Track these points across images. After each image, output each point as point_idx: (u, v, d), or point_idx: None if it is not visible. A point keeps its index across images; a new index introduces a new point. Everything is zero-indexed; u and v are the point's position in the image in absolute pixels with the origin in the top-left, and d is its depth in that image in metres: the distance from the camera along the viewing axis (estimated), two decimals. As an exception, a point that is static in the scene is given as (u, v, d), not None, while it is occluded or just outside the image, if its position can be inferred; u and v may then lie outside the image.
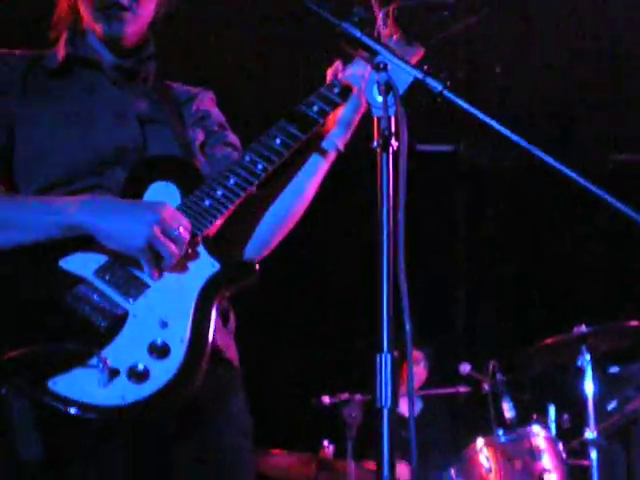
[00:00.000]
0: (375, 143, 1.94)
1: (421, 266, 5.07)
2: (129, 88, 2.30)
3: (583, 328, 4.37)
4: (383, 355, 1.89)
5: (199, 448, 2.08)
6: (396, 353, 1.90)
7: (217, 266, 2.05)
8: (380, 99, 2.01)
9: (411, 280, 1.94)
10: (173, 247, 1.96)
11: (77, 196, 2.04)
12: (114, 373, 1.83)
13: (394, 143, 1.95)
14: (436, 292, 6.20)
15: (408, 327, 1.88)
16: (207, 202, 2.07)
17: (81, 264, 1.99)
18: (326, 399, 4.47)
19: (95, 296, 1.94)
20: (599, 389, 4.43)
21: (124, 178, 2.13)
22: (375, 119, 1.99)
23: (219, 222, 2.11)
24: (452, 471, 4.46)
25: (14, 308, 1.91)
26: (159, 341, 1.90)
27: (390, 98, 1.99)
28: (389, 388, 1.88)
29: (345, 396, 4.37)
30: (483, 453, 4.33)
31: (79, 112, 2.21)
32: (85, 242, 1.99)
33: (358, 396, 4.31)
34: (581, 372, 4.40)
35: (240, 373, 2.23)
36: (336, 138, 2.26)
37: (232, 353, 2.20)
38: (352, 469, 4.10)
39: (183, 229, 1.98)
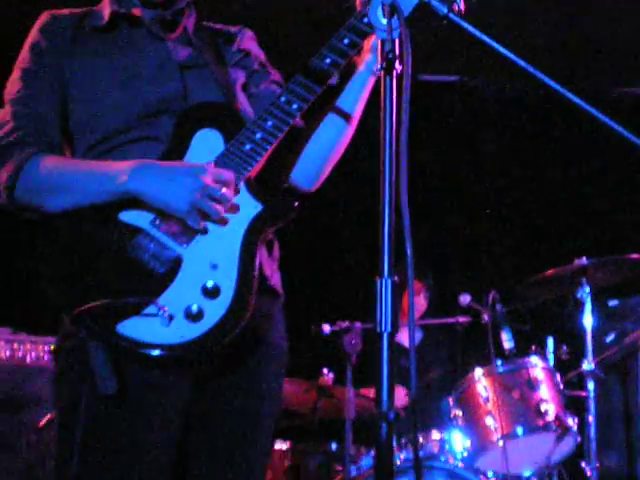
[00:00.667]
0: (379, 66, 1.93)
1: (421, 195, 5.05)
2: (170, 39, 2.40)
3: (584, 260, 4.37)
4: (383, 280, 1.90)
5: (241, 378, 2.28)
6: (396, 278, 1.90)
7: (259, 207, 2.18)
8: (384, 21, 1.98)
9: (411, 209, 1.94)
10: (217, 207, 2.09)
11: (125, 163, 2.16)
12: (172, 317, 2.04)
13: (398, 67, 1.93)
14: (436, 222, 6.20)
15: (409, 251, 1.88)
16: (247, 146, 2.18)
17: (138, 215, 2.15)
18: (326, 327, 4.50)
19: (152, 245, 2.12)
20: (598, 322, 4.46)
21: (171, 128, 2.25)
22: (379, 42, 1.96)
23: (260, 164, 2.22)
24: (450, 400, 4.49)
25: (82, 261, 2.11)
26: (210, 283, 2.08)
27: (395, 21, 1.97)
28: (389, 313, 1.89)
29: (345, 324, 4.39)
30: (481, 383, 4.35)
31: (126, 66, 2.33)
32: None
33: (358, 324, 4.33)
34: (580, 304, 4.43)
35: (283, 300, 2.40)
36: (372, 64, 2.30)
37: (276, 280, 2.36)
38: (351, 396, 4.14)
39: (226, 188, 2.10)
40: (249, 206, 2.18)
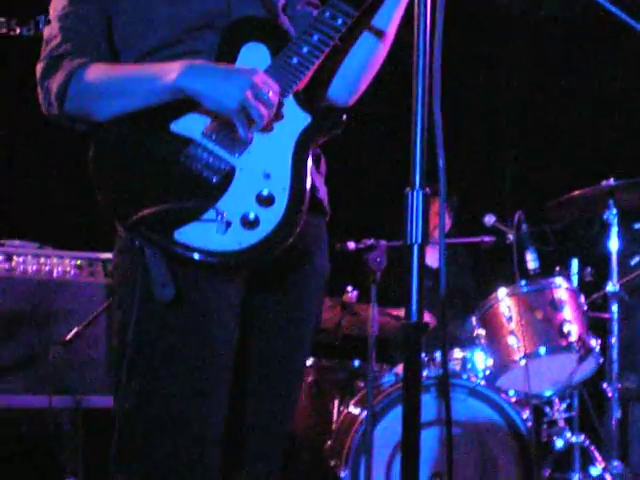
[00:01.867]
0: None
1: (449, 115, 5.00)
2: None
3: (611, 181, 4.35)
4: (415, 191, 1.90)
5: (289, 294, 2.34)
6: (428, 190, 1.90)
7: (309, 119, 2.23)
8: None
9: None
10: (263, 109, 2.11)
11: (175, 61, 2.18)
12: (229, 224, 2.08)
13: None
14: (464, 141, 6.16)
15: (441, 163, 1.88)
16: (295, 60, 2.22)
17: (189, 126, 2.18)
18: (351, 244, 4.51)
19: (205, 154, 2.15)
20: (623, 244, 4.44)
21: (217, 42, 2.28)
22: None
23: (307, 77, 2.25)
24: (473, 320, 4.52)
25: (134, 168, 2.14)
26: (265, 191, 2.13)
27: None
28: (420, 225, 1.89)
29: (370, 242, 4.39)
30: (505, 302, 4.37)
31: None
32: (189, 105, 2.17)
33: (383, 242, 4.33)
34: (607, 226, 4.41)
35: (328, 215, 2.46)
36: None
37: (323, 193, 2.42)
38: (375, 313, 4.17)
39: (273, 93, 2.13)
40: (299, 117, 2.22)
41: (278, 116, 2.19)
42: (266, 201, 2.12)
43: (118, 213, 2.09)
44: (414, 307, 1.87)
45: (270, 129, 2.18)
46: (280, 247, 2.11)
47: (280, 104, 2.18)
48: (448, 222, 5.59)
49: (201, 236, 2.07)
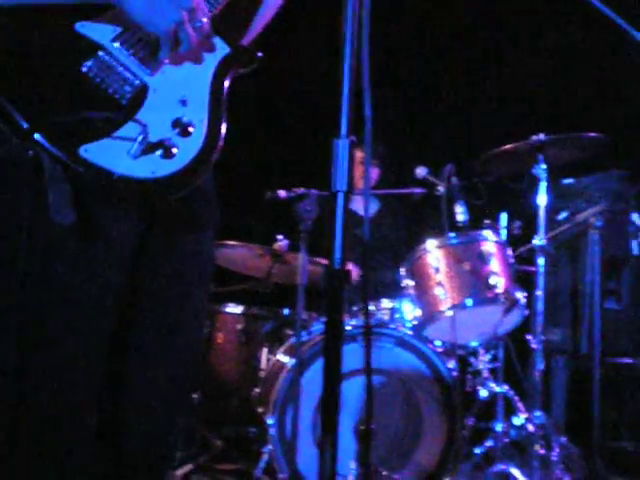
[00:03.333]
0: None
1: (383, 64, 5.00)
2: None
3: (541, 136, 4.38)
4: (341, 140, 1.90)
5: (190, 237, 2.21)
6: (353, 138, 1.90)
7: (227, 49, 2.13)
8: None
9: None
10: (194, 36, 2.01)
11: None
12: (150, 145, 1.91)
13: None
14: (396, 91, 6.15)
15: (368, 112, 1.88)
16: None
17: (98, 30, 1.98)
18: (282, 193, 4.49)
19: (115, 64, 1.96)
20: (551, 199, 4.48)
21: None
22: None
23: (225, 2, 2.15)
24: (402, 270, 4.55)
25: (36, 71, 1.90)
26: (183, 118, 1.99)
27: None
28: (345, 173, 1.89)
29: (301, 191, 4.38)
30: (433, 254, 4.40)
31: None
32: (101, 13, 1.99)
33: (314, 191, 4.33)
34: (536, 181, 4.44)
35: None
36: None
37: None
38: (304, 262, 4.17)
39: (206, 20, 2.03)
40: (218, 46, 2.13)
41: (207, 45, 2.10)
42: (184, 130, 1.99)
43: (11, 116, 1.82)
44: (337, 255, 1.87)
45: (199, 59, 2.08)
46: (193, 183, 1.99)
47: (211, 33, 2.10)
48: (375, 171, 5.59)
49: (111, 156, 1.87)
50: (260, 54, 2.18)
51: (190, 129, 1.99)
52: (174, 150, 1.96)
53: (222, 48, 2.14)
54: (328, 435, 1.86)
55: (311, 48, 5.00)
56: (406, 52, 6.46)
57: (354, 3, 1.91)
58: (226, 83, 2.12)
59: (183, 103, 2.02)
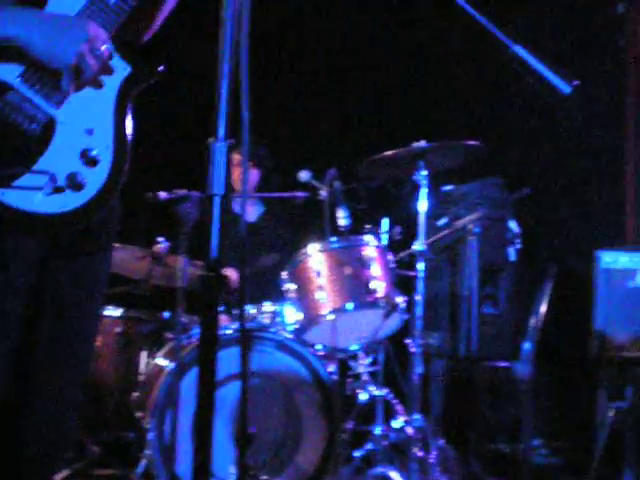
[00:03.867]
0: None
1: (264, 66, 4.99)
2: None
3: (422, 143, 4.43)
4: (217, 142, 1.88)
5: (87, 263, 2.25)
6: (232, 141, 1.89)
7: (128, 69, 2.14)
8: None
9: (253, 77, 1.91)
10: (95, 65, 2.04)
11: (7, 7, 2.04)
12: (58, 187, 1.99)
13: None
14: (277, 95, 6.16)
15: (245, 115, 1.87)
16: (112, 0, 2.11)
17: (3, 70, 2.03)
18: (163, 194, 4.43)
19: (23, 103, 2.01)
20: (431, 205, 4.55)
21: None
22: None
23: (123, 20, 2.16)
24: (284, 274, 4.55)
25: None
26: (89, 148, 2.04)
27: None
28: (222, 176, 1.88)
29: (182, 192, 4.34)
30: (314, 258, 4.41)
31: None
32: (3, 52, 2.02)
33: (195, 193, 4.29)
34: (416, 187, 4.50)
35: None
36: None
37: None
38: (184, 265, 4.13)
39: (105, 47, 2.05)
40: (119, 68, 2.15)
41: (107, 70, 2.11)
42: (91, 160, 2.04)
43: None
44: (213, 259, 1.85)
45: (100, 84, 2.10)
46: (102, 210, 2.06)
47: (110, 56, 2.11)
48: (255, 174, 5.58)
49: (25, 197, 1.97)
50: (162, 68, 2.19)
51: (97, 159, 2.04)
52: (83, 182, 2.02)
53: (123, 69, 2.15)
54: (202, 441, 1.84)
55: (192, 49, 4.96)
56: (289, 54, 6.47)
57: (234, 5, 1.89)
58: (129, 102, 2.15)
59: (89, 132, 2.06)
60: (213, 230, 1.85)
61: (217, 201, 1.85)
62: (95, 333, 2.44)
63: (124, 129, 2.11)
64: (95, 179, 2.04)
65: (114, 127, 2.09)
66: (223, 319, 4.28)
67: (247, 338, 4.08)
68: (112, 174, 2.06)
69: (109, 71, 2.11)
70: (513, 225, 5.10)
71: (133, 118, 2.35)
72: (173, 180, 4.49)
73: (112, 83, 2.13)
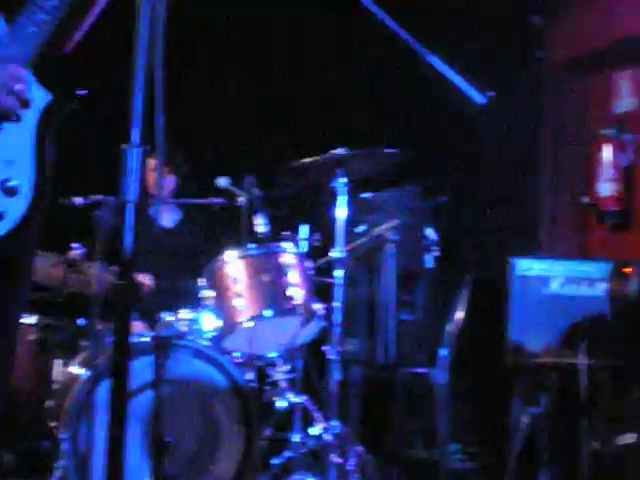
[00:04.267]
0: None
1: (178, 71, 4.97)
2: None
3: (341, 151, 4.45)
4: (132, 149, 1.87)
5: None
6: (146, 147, 1.88)
7: (48, 97, 2.14)
8: None
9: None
10: (13, 103, 2.04)
11: None
12: None
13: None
14: (195, 100, 6.13)
15: (161, 120, 1.86)
16: (31, 28, 2.10)
17: None
18: (78, 200, 4.38)
19: None
20: (350, 212, 4.56)
21: None
22: None
23: (41, 47, 2.15)
24: (202, 281, 4.52)
25: None
26: (9, 181, 2.05)
27: None
28: (136, 182, 1.86)
29: (98, 198, 4.29)
30: (232, 264, 4.39)
31: None
32: None
33: (111, 198, 4.24)
34: (335, 194, 4.51)
35: None
36: None
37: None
38: (100, 271, 4.09)
39: (23, 83, 2.05)
40: (38, 97, 2.14)
41: (24, 104, 2.10)
42: (10, 191, 2.04)
43: None
44: (127, 266, 1.83)
45: (18, 119, 2.10)
46: (23, 238, 2.08)
47: (28, 90, 2.10)
48: (172, 180, 5.51)
49: None
50: (83, 92, 2.19)
51: (15, 189, 2.05)
52: (4, 213, 2.04)
53: (42, 98, 2.14)
54: (115, 451, 1.82)
55: (112, 54, 4.90)
56: (207, 59, 6.44)
57: (149, 11, 1.88)
58: (50, 129, 2.16)
59: (9, 163, 2.06)
60: (126, 236, 1.83)
61: (130, 207, 1.83)
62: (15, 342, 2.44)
63: (45, 157, 2.12)
64: (15, 209, 2.05)
65: (34, 156, 2.10)
66: (139, 326, 4.24)
67: (163, 346, 4.04)
68: (32, 203, 2.07)
69: (26, 105, 2.10)
70: (430, 233, 5.15)
71: (56, 140, 2.35)
72: (88, 186, 4.43)
73: (32, 113, 2.13)
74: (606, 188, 6.52)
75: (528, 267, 4.96)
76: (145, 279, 5.02)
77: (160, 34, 1.89)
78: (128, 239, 1.83)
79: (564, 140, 6.99)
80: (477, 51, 5.94)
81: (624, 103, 6.65)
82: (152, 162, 4.98)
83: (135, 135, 1.87)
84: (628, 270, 4.98)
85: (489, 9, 6.33)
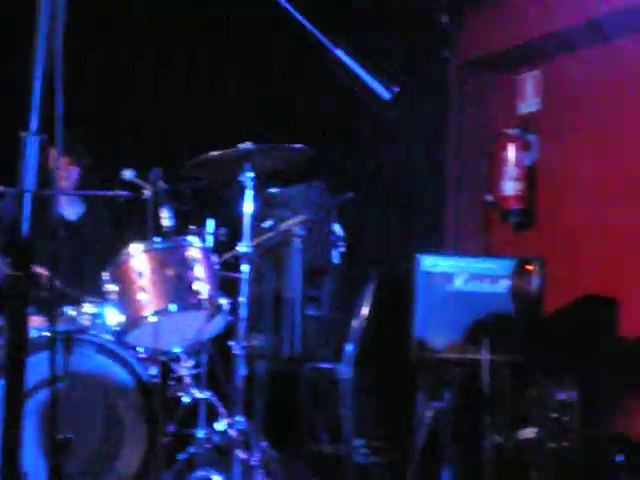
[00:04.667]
0: None
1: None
2: None
3: (248, 145, 4.43)
4: (30, 137, 1.83)
5: None
6: (44, 136, 1.84)
7: None
8: None
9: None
10: None
11: None
12: None
13: None
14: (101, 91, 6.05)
15: (60, 108, 1.82)
16: None
17: None
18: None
19: None
20: (257, 207, 4.55)
21: None
22: None
23: None
24: (106, 275, 4.45)
25: None
26: None
27: None
28: (34, 172, 1.83)
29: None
30: (137, 258, 4.34)
31: None
32: None
33: (12, 189, 4.13)
34: (242, 189, 4.49)
35: None
36: None
37: None
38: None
39: None
40: None
41: None
42: None
43: None
44: (23, 256, 1.79)
45: None
46: None
47: None
48: (75, 171, 5.40)
49: None
50: None
51: None
52: None
53: None
54: (10, 452, 1.77)
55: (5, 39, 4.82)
56: (111, 48, 6.33)
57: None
58: None
59: None
60: (24, 227, 1.79)
61: (28, 197, 1.79)
62: None
63: None
64: None
65: None
66: (37, 320, 4.16)
67: (64, 341, 3.97)
68: None
69: None
70: (337, 228, 5.16)
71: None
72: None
73: None
74: (510, 187, 6.64)
75: (433, 264, 5.02)
76: (43, 270, 4.92)
77: (61, 21, 1.85)
78: (25, 229, 1.79)
79: (468, 139, 7.09)
80: (383, 50, 5.98)
81: (528, 104, 6.79)
82: (55, 152, 4.87)
83: (33, 123, 1.82)
84: (530, 267, 5.07)
85: (398, 8, 6.38)
